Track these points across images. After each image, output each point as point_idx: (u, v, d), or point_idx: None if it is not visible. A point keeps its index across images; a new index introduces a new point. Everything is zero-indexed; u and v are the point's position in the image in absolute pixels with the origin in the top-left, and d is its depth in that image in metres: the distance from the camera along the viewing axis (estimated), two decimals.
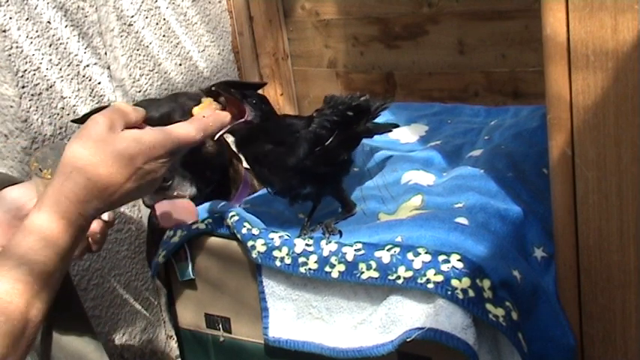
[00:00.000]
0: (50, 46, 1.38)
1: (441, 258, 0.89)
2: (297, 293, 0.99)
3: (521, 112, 1.40)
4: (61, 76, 1.41)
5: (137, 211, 1.58)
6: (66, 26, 1.42)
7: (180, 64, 1.70)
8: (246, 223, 1.02)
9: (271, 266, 0.98)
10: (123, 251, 1.56)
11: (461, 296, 0.85)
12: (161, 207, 1.12)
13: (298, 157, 0.97)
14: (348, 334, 0.95)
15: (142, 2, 1.58)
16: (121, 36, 1.52)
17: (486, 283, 0.87)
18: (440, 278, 0.86)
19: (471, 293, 0.85)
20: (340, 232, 1.00)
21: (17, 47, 1.32)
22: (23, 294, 0.71)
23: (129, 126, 0.82)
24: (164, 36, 1.65)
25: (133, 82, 1.56)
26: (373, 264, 0.91)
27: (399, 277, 0.89)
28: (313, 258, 0.96)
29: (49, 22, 1.38)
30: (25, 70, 1.33)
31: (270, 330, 1.01)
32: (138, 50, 1.57)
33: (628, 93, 0.82)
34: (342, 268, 0.93)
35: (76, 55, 1.44)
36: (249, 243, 1.00)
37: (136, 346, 1.61)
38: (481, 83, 1.61)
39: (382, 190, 1.16)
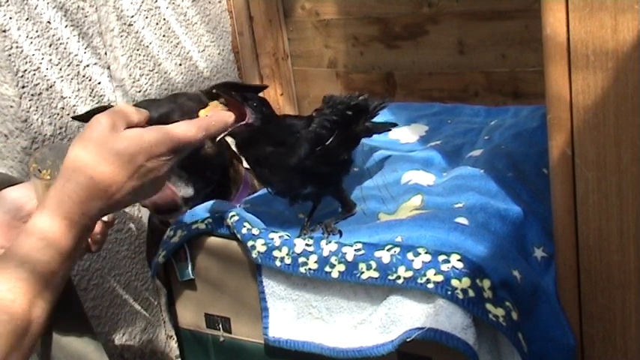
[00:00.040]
0: (50, 46, 1.38)
1: (441, 258, 0.89)
2: (297, 293, 0.99)
3: (521, 112, 1.40)
4: (61, 76, 1.41)
5: (137, 211, 1.58)
6: (66, 26, 1.42)
7: (180, 64, 1.70)
8: (246, 223, 1.02)
9: (271, 266, 0.98)
10: (123, 251, 1.56)
11: (461, 296, 0.85)
12: None
13: (299, 157, 0.97)
14: (348, 334, 0.95)
15: (142, 2, 1.58)
16: (121, 36, 1.53)
17: (486, 283, 0.87)
18: (440, 278, 0.86)
19: (471, 293, 0.85)
20: (340, 232, 1.00)
21: (17, 47, 1.32)
22: (26, 293, 0.72)
23: (131, 127, 0.82)
24: (164, 36, 1.65)
25: (133, 82, 1.56)
26: (373, 264, 0.91)
27: (399, 277, 0.89)
28: (313, 258, 0.96)
29: (49, 22, 1.38)
30: (25, 70, 1.33)
31: (270, 330, 1.01)
32: (138, 50, 1.57)
33: (628, 93, 0.82)
34: (342, 268, 0.93)
35: (76, 55, 1.44)
36: (249, 243, 1.00)
37: (136, 346, 1.61)
38: (481, 83, 1.61)
39: (382, 190, 1.16)
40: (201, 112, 0.93)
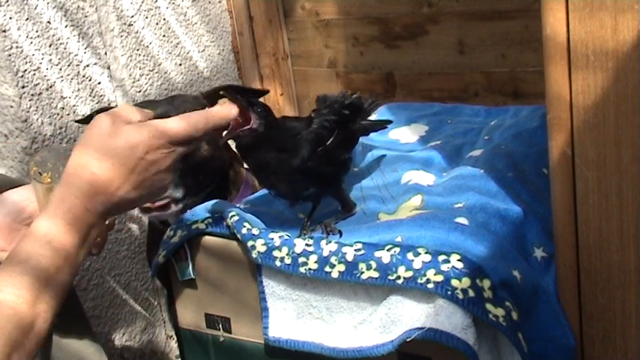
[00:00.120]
0: (50, 46, 1.38)
1: (441, 258, 0.89)
2: (297, 293, 0.99)
3: (521, 112, 1.40)
4: (61, 76, 1.41)
5: (137, 211, 1.58)
6: (66, 26, 1.42)
7: (180, 64, 1.70)
8: (246, 223, 1.02)
9: (271, 266, 0.98)
10: (123, 251, 1.56)
11: (461, 296, 0.85)
12: None
13: (302, 158, 0.97)
14: (348, 334, 0.95)
15: (142, 2, 1.58)
16: (121, 36, 1.53)
17: (486, 283, 0.87)
18: (440, 278, 0.86)
19: (471, 293, 0.85)
20: (340, 232, 1.00)
21: (17, 47, 1.32)
22: (28, 295, 0.72)
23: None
24: (164, 36, 1.65)
25: (133, 82, 1.56)
26: (373, 264, 0.91)
27: (399, 277, 0.89)
28: (313, 258, 0.96)
29: (49, 22, 1.38)
30: (25, 70, 1.33)
31: (270, 330, 1.01)
32: (138, 50, 1.57)
33: (628, 93, 0.82)
34: (342, 268, 0.93)
35: (76, 55, 1.44)
36: (249, 243, 1.00)
37: (136, 346, 1.61)
38: (481, 83, 1.61)
39: (382, 190, 1.16)
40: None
